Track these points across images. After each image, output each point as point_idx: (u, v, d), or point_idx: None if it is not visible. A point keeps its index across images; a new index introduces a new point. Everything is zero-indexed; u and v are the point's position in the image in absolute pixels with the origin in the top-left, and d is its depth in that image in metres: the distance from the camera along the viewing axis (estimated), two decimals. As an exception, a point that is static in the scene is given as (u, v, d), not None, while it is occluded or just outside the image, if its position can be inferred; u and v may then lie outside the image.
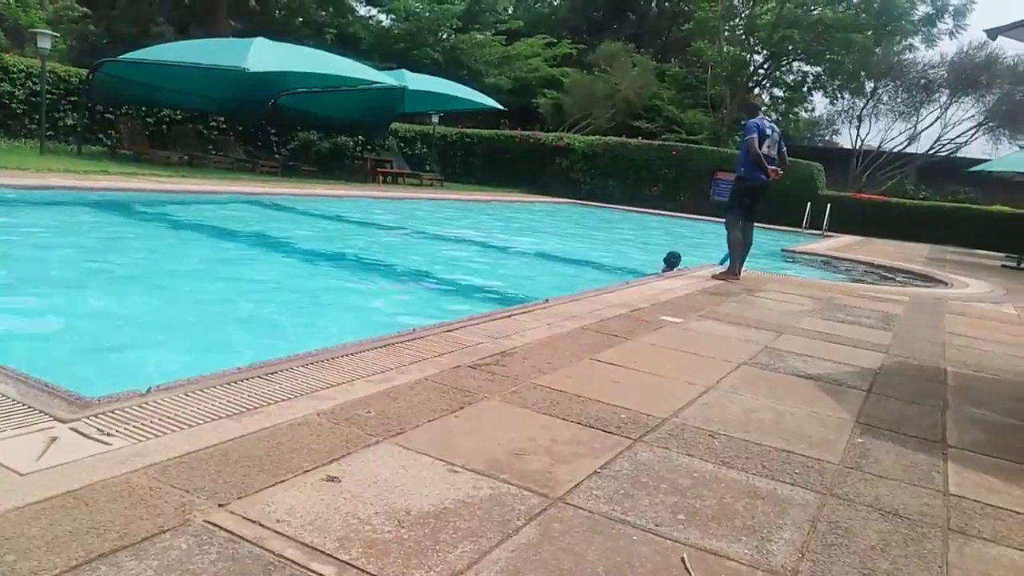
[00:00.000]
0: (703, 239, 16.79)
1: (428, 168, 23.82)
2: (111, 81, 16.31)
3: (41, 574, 1.46)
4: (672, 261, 8.23)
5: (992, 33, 5.24)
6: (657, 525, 1.96)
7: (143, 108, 18.10)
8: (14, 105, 15.84)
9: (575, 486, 2.15)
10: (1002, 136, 28.68)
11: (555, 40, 34.31)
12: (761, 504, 2.17)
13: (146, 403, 2.43)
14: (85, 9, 23.63)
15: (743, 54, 32.53)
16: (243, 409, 2.47)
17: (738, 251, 7.42)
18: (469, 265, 9.31)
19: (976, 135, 28.83)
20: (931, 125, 29.30)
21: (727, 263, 7.72)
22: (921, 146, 29.71)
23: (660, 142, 26.30)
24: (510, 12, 37.37)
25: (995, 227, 20.68)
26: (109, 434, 2.15)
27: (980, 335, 5.75)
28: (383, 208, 14.91)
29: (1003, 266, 14.97)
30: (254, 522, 1.75)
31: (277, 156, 20.54)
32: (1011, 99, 27.53)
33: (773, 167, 7.13)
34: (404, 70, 20.26)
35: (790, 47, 30.48)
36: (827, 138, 35.90)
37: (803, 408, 3.21)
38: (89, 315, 4.80)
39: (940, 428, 3.14)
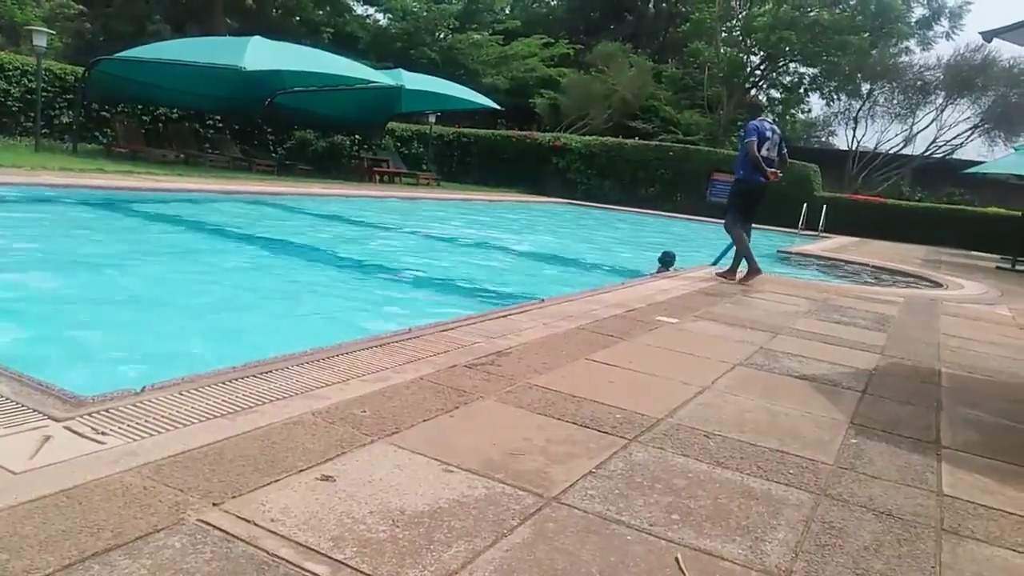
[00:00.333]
0: (699, 240, 16.81)
1: (425, 168, 23.82)
2: (107, 79, 16.28)
3: (34, 573, 1.45)
4: (667, 261, 8.24)
5: (988, 35, 5.26)
6: (651, 525, 1.96)
7: (139, 106, 18.06)
8: (9, 103, 15.80)
9: (570, 486, 2.15)
10: (998, 138, 28.79)
11: (552, 40, 34.32)
12: (755, 504, 2.17)
13: (140, 402, 2.42)
14: (81, 7, 23.60)
15: (740, 55, 32.59)
16: (238, 408, 2.46)
17: (748, 249, 7.43)
18: (465, 265, 9.31)
19: (972, 137, 28.97)
20: (927, 127, 29.44)
21: (724, 263, 7.74)
22: (917, 148, 29.85)
23: (657, 143, 26.34)
24: (507, 12, 37.41)
25: (990, 229, 20.75)
26: (103, 433, 2.15)
27: (975, 336, 5.77)
28: (379, 208, 14.90)
29: (998, 268, 15.02)
30: (248, 521, 1.74)
31: (273, 155, 20.51)
32: (1006, 101, 27.64)
33: (773, 169, 7.12)
34: (401, 69, 20.26)
35: (787, 48, 30.54)
36: (823, 139, 36.02)
37: (798, 409, 3.22)
38: (85, 314, 4.78)
39: (934, 429, 3.15)
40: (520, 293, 6.82)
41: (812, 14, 28.92)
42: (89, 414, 2.27)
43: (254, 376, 2.81)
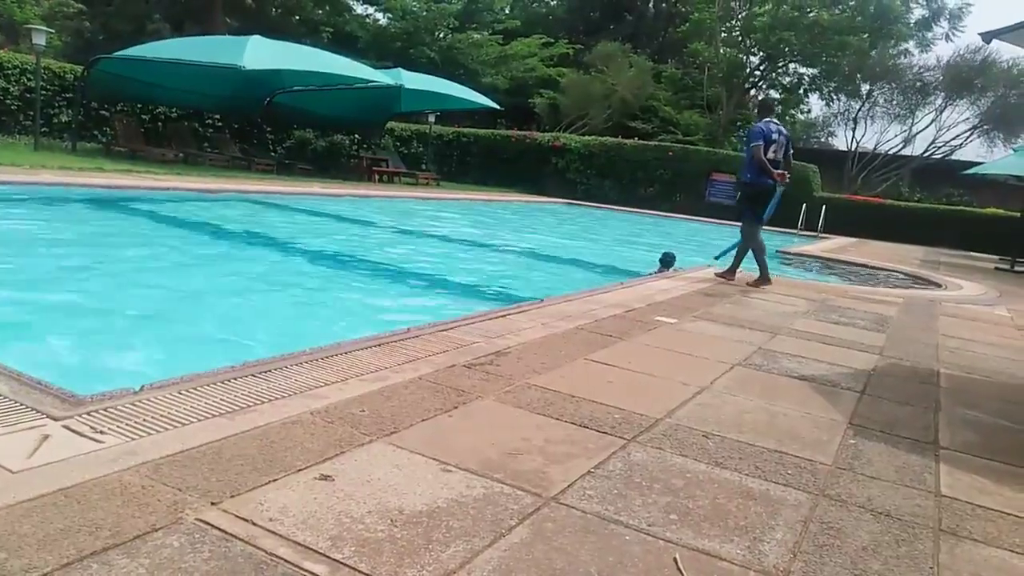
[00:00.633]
0: (698, 240, 16.81)
1: (424, 167, 23.81)
2: (106, 78, 16.26)
3: (32, 572, 1.45)
4: (667, 261, 8.24)
5: (987, 36, 5.27)
6: (650, 525, 1.96)
7: (138, 105, 18.03)
8: (9, 101, 15.78)
9: (568, 486, 2.15)
10: (997, 139, 28.80)
11: (552, 40, 34.30)
12: (754, 504, 2.17)
13: (139, 401, 2.42)
14: (81, 5, 23.58)
15: (739, 55, 32.59)
16: (236, 408, 2.46)
17: (763, 255, 7.42)
18: (464, 264, 9.31)
19: (971, 138, 28.97)
20: (926, 128, 29.44)
21: (728, 263, 7.73)
22: (916, 148, 29.84)
23: (656, 143, 26.36)
24: (507, 12, 37.37)
25: (989, 230, 20.76)
26: (102, 432, 2.15)
27: (973, 337, 5.77)
28: (379, 207, 14.90)
29: (997, 268, 15.03)
30: (247, 520, 1.74)
31: (273, 154, 20.50)
32: (1006, 102, 27.64)
33: (780, 171, 7.10)
34: (400, 69, 20.25)
35: (786, 49, 30.53)
36: (823, 140, 36.02)
37: (796, 409, 3.22)
38: (81, 313, 4.78)
39: (933, 430, 3.15)
40: (519, 293, 6.82)
41: (812, 15, 28.92)
42: (88, 413, 2.27)
43: (253, 375, 2.81)
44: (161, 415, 2.32)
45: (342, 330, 4.62)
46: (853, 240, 19.41)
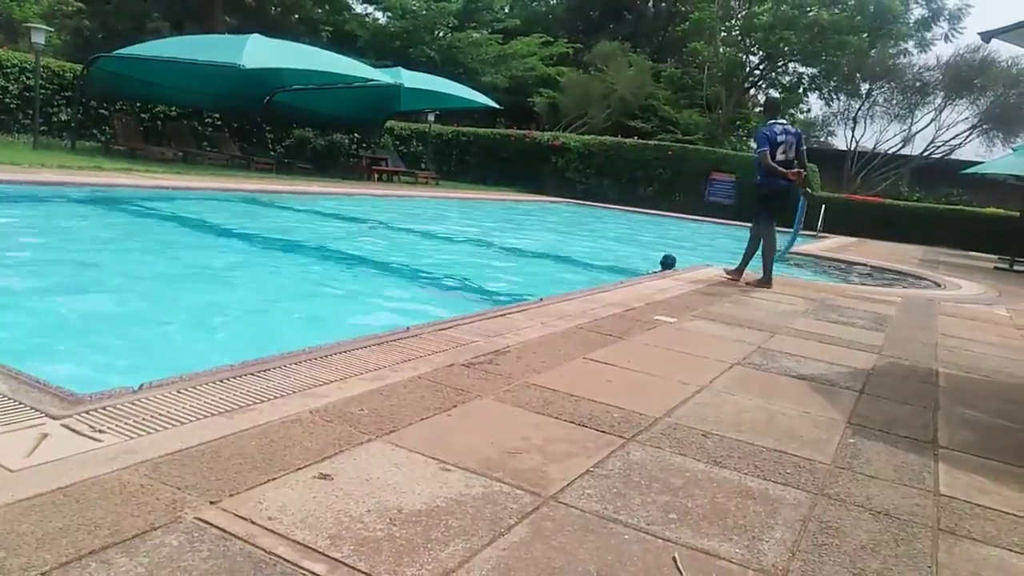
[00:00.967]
0: (697, 239, 16.82)
1: (424, 166, 23.81)
2: (106, 76, 16.25)
3: (31, 571, 1.45)
4: (668, 263, 8.23)
5: (986, 36, 5.26)
6: (649, 524, 1.96)
7: (138, 104, 18.02)
8: (8, 100, 15.77)
9: (567, 485, 2.15)
10: (996, 138, 28.79)
11: (552, 39, 34.29)
12: (752, 504, 2.17)
13: (138, 400, 2.42)
14: (80, 4, 23.55)
15: (739, 55, 32.58)
16: (235, 406, 2.46)
17: (771, 258, 7.37)
18: (463, 263, 9.31)
19: (970, 137, 28.96)
20: (926, 127, 29.43)
21: (741, 264, 7.68)
22: (915, 148, 29.84)
23: (656, 142, 26.34)
24: (507, 11, 37.37)
25: (988, 229, 20.77)
26: (100, 431, 2.15)
27: (972, 336, 5.78)
28: (378, 206, 14.89)
29: (996, 268, 15.03)
30: (245, 519, 1.74)
31: (272, 153, 20.50)
32: (1005, 102, 27.64)
33: (795, 171, 7.02)
34: (400, 68, 20.24)
35: (786, 48, 30.53)
36: (822, 139, 35.99)
37: (795, 408, 3.22)
38: (80, 311, 4.78)
39: (931, 429, 3.15)
40: (518, 292, 6.82)
41: (811, 14, 28.91)
42: (86, 412, 2.27)
43: (252, 374, 2.81)
44: (160, 414, 2.32)
45: (341, 329, 4.62)
46: (852, 239, 19.42)
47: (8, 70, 15.73)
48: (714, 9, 30.93)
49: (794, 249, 13.52)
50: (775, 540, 1.96)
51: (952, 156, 28.92)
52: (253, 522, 1.74)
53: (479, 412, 2.72)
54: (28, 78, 15.61)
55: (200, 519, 1.72)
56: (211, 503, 1.80)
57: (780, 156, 7.02)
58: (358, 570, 1.59)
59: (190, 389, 2.57)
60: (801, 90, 33.69)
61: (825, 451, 2.71)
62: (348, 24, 31.22)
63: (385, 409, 2.60)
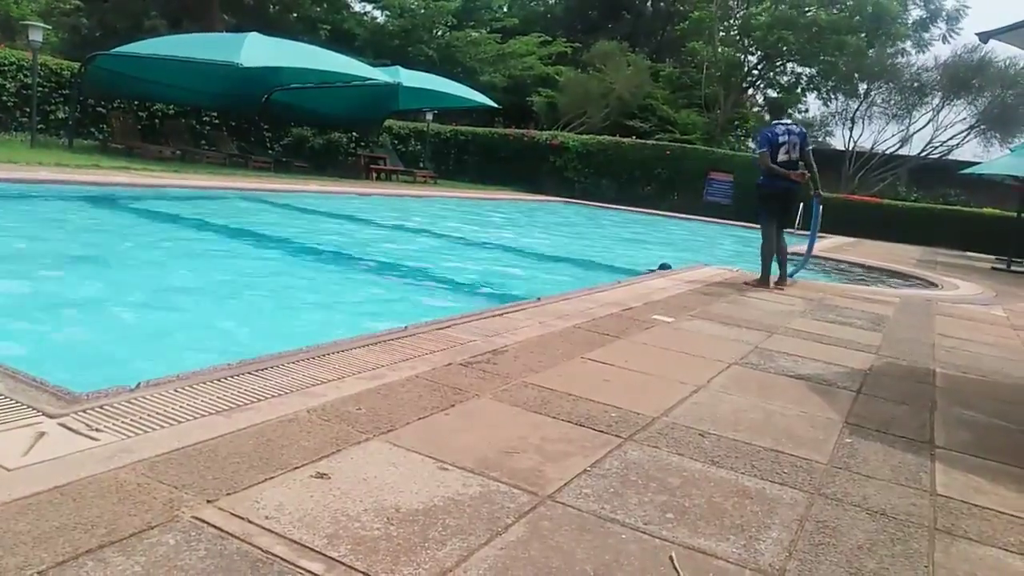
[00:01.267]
0: (695, 239, 16.84)
1: (422, 165, 23.80)
2: (103, 75, 16.22)
3: (28, 570, 1.45)
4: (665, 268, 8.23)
5: (984, 36, 5.26)
6: (646, 524, 1.96)
7: (135, 102, 18.00)
8: (5, 98, 15.74)
9: (564, 484, 2.15)
10: (994, 139, 28.80)
11: (550, 38, 34.28)
12: (750, 503, 2.18)
13: (135, 399, 2.42)
14: (77, 2, 23.51)
15: (737, 55, 32.59)
16: (233, 405, 2.46)
17: (768, 259, 7.30)
18: (461, 263, 9.31)
19: (968, 138, 28.95)
20: (923, 127, 29.43)
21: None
22: (913, 148, 29.84)
23: (654, 142, 26.36)
24: (505, 10, 37.38)
25: (986, 229, 20.80)
26: (97, 430, 2.14)
27: (969, 337, 5.78)
28: (376, 205, 14.89)
29: (993, 268, 15.06)
30: (242, 519, 1.74)
31: (270, 152, 20.47)
32: (1003, 102, 27.66)
33: (799, 171, 6.92)
34: (398, 67, 20.23)
35: (784, 48, 30.54)
36: (820, 139, 35.98)
37: (793, 408, 3.22)
38: (78, 309, 4.77)
39: (928, 429, 3.16)
40: (516, 291, 6.82)
41: (810, 14, 28.94)
42: (83, 411, 2.27)
43: (249, 373, 2.81)
44: (157, 413, 2.32)
45: (339, 328, 4.62)
46: (850, 240, 19.43)
47: (5, 68, 15.70)
48: (713, 9, 30.93)
49: (791, 249, 13.52)
50: (772, 540, 1.96)
51: (950, 156, 28.92)
52: (250, 521, 1.73)
53: (477, 411, 2.72)
54: (26, 76, 15.58)
55: (197, 518, 1.72)
56: (208, 502, 1.80)
57: (782, 157, 6.92)
58: (355, 569, 1.59)
59: (187, 388, 2.57)
60: (799, 90, 33.71)
61: (822, 451, 2.71)
62: (346, 23, 31.19)
63: (383, 408, 2.60)
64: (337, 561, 1.61)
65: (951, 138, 29.11)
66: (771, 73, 33.69)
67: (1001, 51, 26.24)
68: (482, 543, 1.76)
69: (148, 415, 2.29)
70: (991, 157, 25.40)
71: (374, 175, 20.98)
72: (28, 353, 3.63)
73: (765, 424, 2.95)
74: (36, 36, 13.93)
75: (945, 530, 2.16)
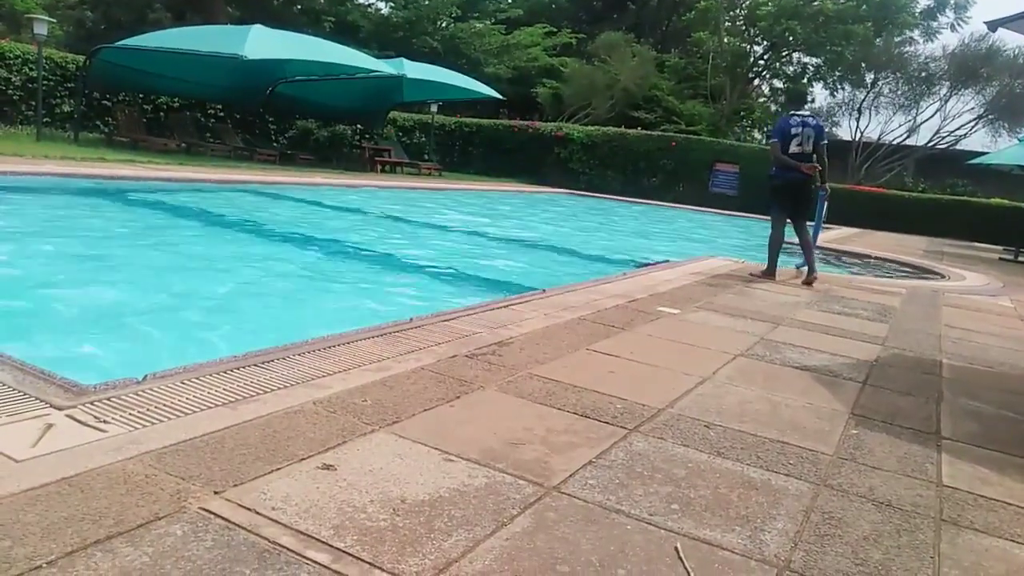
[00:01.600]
0: (700, 230, 16.79)
1: (427, 157, 23.76)
2: (108, 68, 16.23)
3: (37, 560, 1.46)
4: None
5: (992, 25, 5.21)
6: (651, 515, 1.96)
7: (140, 95, 18.00)
8: (10, 91, 15.76)
9: (570, 475, 2.16)
10: (1002, 129, 28.62)
11: (555, 29, 34.14)
12: (755, 494, 2.18)
13: (142, 391, 2.43)
14: (82, -5, 23.48)
15: (743, 45, 32.42)
16: (239, 397, 2.47)
17: (775, 251, 7.25)
18: (467, 255, 9.31)
19: (976, 128, 28.78)
20: (931, 117, 29.26)
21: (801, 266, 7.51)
22: (920, 138, 29.67)
23: (659, 133, 26.25)
24: (510, 1, 37.17)
25: (993, 220, 20.69)
26: (105, 421, 2.15)
27: (976, 327, 5.76)
28: (381, 197, 14.88)
29: (1001, 259, 14.99)
30: (249, 509, 1.75)
31: (275, 145, 20.47)
32: (1011, 91, 27.46)
33: (810, 164, 6.83)
34: (403, 59, 20.17)
35: (790, 38, 30.36)
36: (827, 130, 35.82)
37: (798, 399, 3.22)
38: (83, 302, 4.79)
39: (935, 420, 3.15)
40: (521, 283, 6.82)
41: (816, 3, 28.73)
42: (91, 402, 2.28)
43: (256, 365, 2.81)
44: (164, 405, 2.33)
45: (344, 320, 4.63)
46: (856, 230, 19.35)
47: (11, 61, 15.71)
48: (719, -1, 30.77)
49: (790, 240, 13.46)
50: (777, 531, 1.96)
51: (957, 147, 28.76)
52: (257, 512, 1.74)
53: (482, 403, 2.72)
54: (31, 69, 15.60)
55: (204, 509, 1.73)
56: (215, 493, 1.81)
57: (795, 148, 6.83)
58: (361, 560, 1.60)
59: (194, 380, 2.58)
60: (805, 80, 33.51)
61: (828, 442, 2.71)
62: (350, 14, 31.10)
63: (388, 400, 2.61)
64: (343, 552, 1.62)
65: (959, 128, 28.96)
66: (777, 63, 33.51)
67: (1010, 40, 26.08)
68: (488, 534, 1.77)
69: (155, 407, 2.30)
70: (999, 147, 25.26)
71: (379, 167, 20.97)
72: (34, 345, 3.65)
73: (771, 415, 2.95)
74: (41, 29, 13.94)
75: (951, 521, 2.16)
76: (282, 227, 9.66)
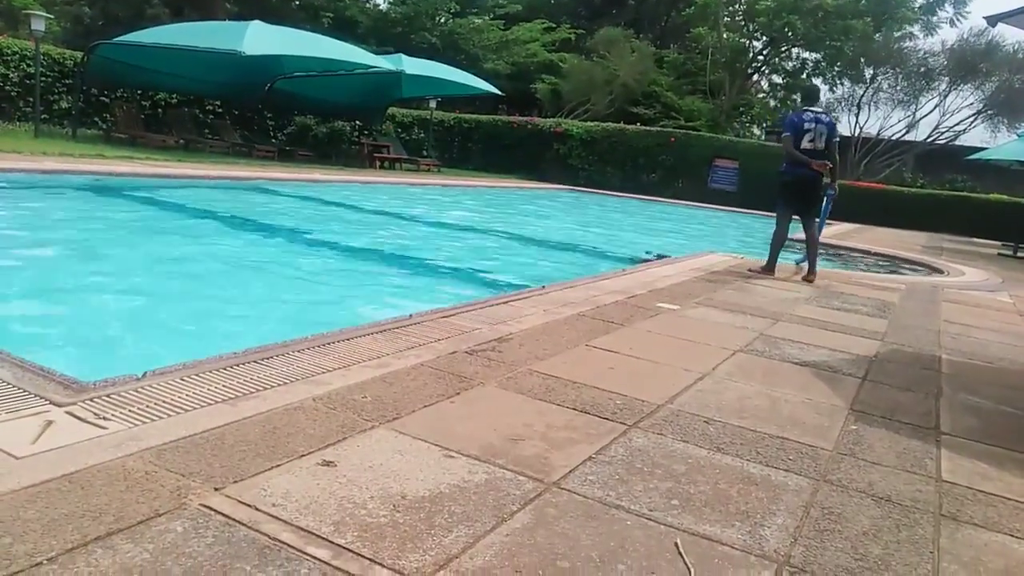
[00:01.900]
0: (700, 226, 16.79)
1: (425, 153, 23.73)
2: (106, 64, 16.19)
3: (37, 557, 1.46)
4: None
5: (992, 20, 5.21)
6: (651, 510, 1.97)
7: (138, 91, 17.95)
8: (8, 88, 15.72)
9: (570, 471, 2.16)
10: (1001, 124, 28.56)
11: (554, 25, 34.07)
12: (755, 490, 2.18)
13: (142, 387, 2.43)
14: (79, -9, 23.39)
15: (742, 40, 32.36)
16: (239, 394, 2.47)
17: (777, 247, 7.23)
18: (466, 251, 9.30)
19: (975, 123, 28.73)
20: (930, 113, 29.20)
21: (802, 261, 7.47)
22: (920, 134, 29.63)
23: (658, 129, 26.22)
24: (509, -4, 37.11)
25: (992, 215, 20.69)
26: (105, 418, 2.15)
27: (975, 323, 5.77)
28: (380, 193, 14.87)
29: (1000, 254, 15.00)
30: (250, 506, 1.75)
31: (274, 141, 20.42)
32: (1010, 87, 27.42)
33: (820, 161, 6.78)
34: (401, 55, 20.14)
35: (790, 33, 30.29)
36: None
37: (798, 395, 3.22)
38: (83, 299, 4.79)
39: (934, 415, 3.15)
40: (521, 279, 6.82)
41: (815, -2, 28.67)
42: (91, 399, 2.28)
43: (255, 362, 2.81)
44: (164, 401, 2.33)
45: (343, 316, 4.63)
46: (855, 226, 19.35)
47: (8, 58, 15.67)
48: (718, -6, 30.69)
49: (796, 236, 13.46)
50: (777, 526, 1.96)
51: (956, 142, 28.71)
52: (257, 508, 1.74)
53: (482, 399, 2.72)
54: (28, 66, 15.56)
55: (205, 506, 1.73)
56: (215, 490, 1.81)
57: (806, 144, 6.77)
58: (362, 556, 1.60)
59: (193, 376, 2.58)
60: (805, 75, 33.46)
61: (827, 437, 2.71)
62: (349, 10, 31.01)
63: (388, 396, 2.61)
64: (344, 548, 1.62)
65: (958, 123, 28.88)
66: (776, 59, 33.44)
67: (1009, 35, 26.02)
68: (488, 530, 1.77)
69: (155, 404, 2.30)
70: (998, 142, 25.20)
71: (378, 164, 20.94)
72: (33, 342, 3.65)
73: (770, 411, 2.95)
74: (38, 25, 13.90)
75: (951, 516, 2.16)
76: (280, 223, 9.65)
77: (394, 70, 17.95)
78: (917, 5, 29.55)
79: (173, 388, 2.45)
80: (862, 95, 30.11)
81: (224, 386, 2.52)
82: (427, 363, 3.06)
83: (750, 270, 7.37)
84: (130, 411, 2.23)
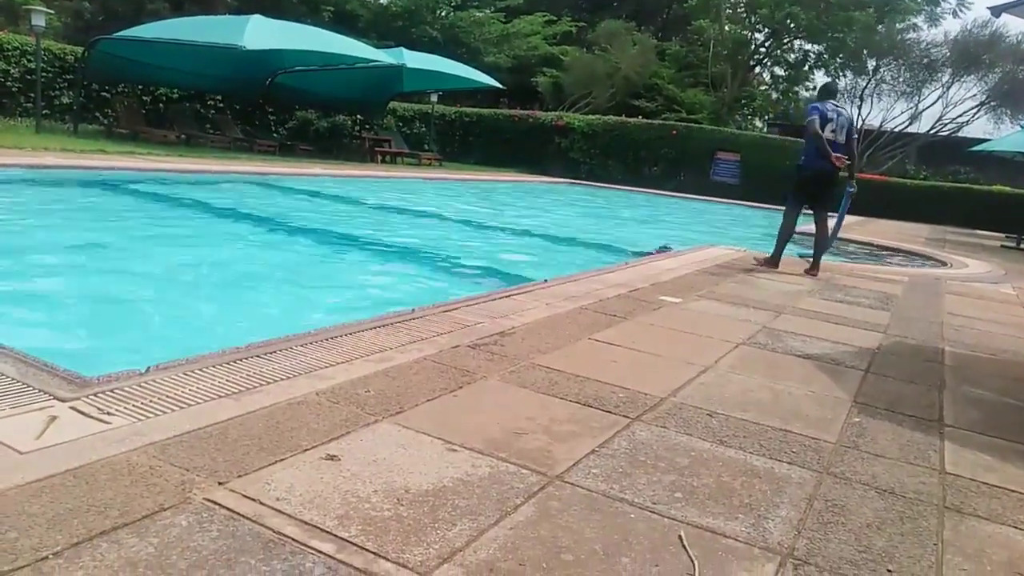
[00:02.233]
0: (701, 219, 16.76)
1: (427, 148, 23.70)
2: (107, 59, 16.18)
3: (42, 551, 1.47)
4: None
5: (996, 11, 5.18)
6: (654, 503, 1.97)
7: (139, 86, 17.96)
8: (9, 83, 15.73)
9: (573, 465, 2.16)
10: (1004, 116, 28.46)
11: (555, 18, 33.97)
12: (758, 482, 2.18)
13: (145, 382, 2.43)
14: (79, -14, 23.36)
15: (744, 32, 32.25)
16: (242, 388, 2.47)
17: (783, 240, 7.18)
18: (468, 245, 9.30)
19: (978, 115, 28.62)
20: (933, 104, 29.10)
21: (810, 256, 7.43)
22: (922, 126, 29.53)
23: (660, 121, 26.16)
24: (510, -11, 36.99)
25: (995, 207, 20.63)
26: (109, 413, 2.16)
27: (978, 315, 5.76)
28: (381, 188, 14.86)
29: (1003, 246, 14.97)
30: (254, 500, 1.76)
31: (275, 135, 20.41)
32: (1013, 78, 27.30)
33: (838, 154, 6.71)
34: (402, 48, 20.10)
35: (792, 25, 30.20)
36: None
37: (801, 388, 3.22)
38: (84, 295, 4.79)
39: (937, 407, 3.15)
40: (523, 273, 6.82)
41: (818, -11, 28.57)
42: (94, 394, 2.28)
43: (258, 356, 2.82)
44: (168, 396, 2.33)
45: (346, 311, 4.63)
46: (858, 218, 19.27)
47: (9, 53, 15.67)
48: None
49: (799, 228, 13.41)
50: (781, 518, 1.96)
51: (959, 134, 28.63)
52: (261, 503, 1.75)
53: (485, 393, 2.72)
54: (29, 61, 15.56)
55: (209, 500, 1.73)
56: (219, 484, 1.81)
57: (828, 135, 6.69)
58: (366, 549, 1.60)
59: (197, 371, 2.58)
60: (807, 67, 33.37)
61: (831, 430, 2.71)
62: (349, 4, 30.92)
63: (391, 390, 2.61)
64: (348, 541, 1.62)
65: (961, 115, 28.79)
66: (778, 51, 33.33)
67: (1013, 25, 25.88)
68: (492, 523, 1.77)
69: (159, 398, 2.31)
70: (1001, 134, 25.13)
71: (379, 158, 20.92)
72: (37, 337, 3.65)
73: (773, 404, 2.95)
74: (39, 21, 13.89)
75: (954, 508, 2.16)
76: (282, 218, 9.65)
77: (395, 64, 17.92)
78: (920, -4, 29.43)
79: (176, 383, 2.46)
80: (864, 87, 30.00)
81: (227, 381, 2.52)
82: (430, 357, 3.06)
83: (755, 259, 7.35)
84: (134, 406, 2.23)
